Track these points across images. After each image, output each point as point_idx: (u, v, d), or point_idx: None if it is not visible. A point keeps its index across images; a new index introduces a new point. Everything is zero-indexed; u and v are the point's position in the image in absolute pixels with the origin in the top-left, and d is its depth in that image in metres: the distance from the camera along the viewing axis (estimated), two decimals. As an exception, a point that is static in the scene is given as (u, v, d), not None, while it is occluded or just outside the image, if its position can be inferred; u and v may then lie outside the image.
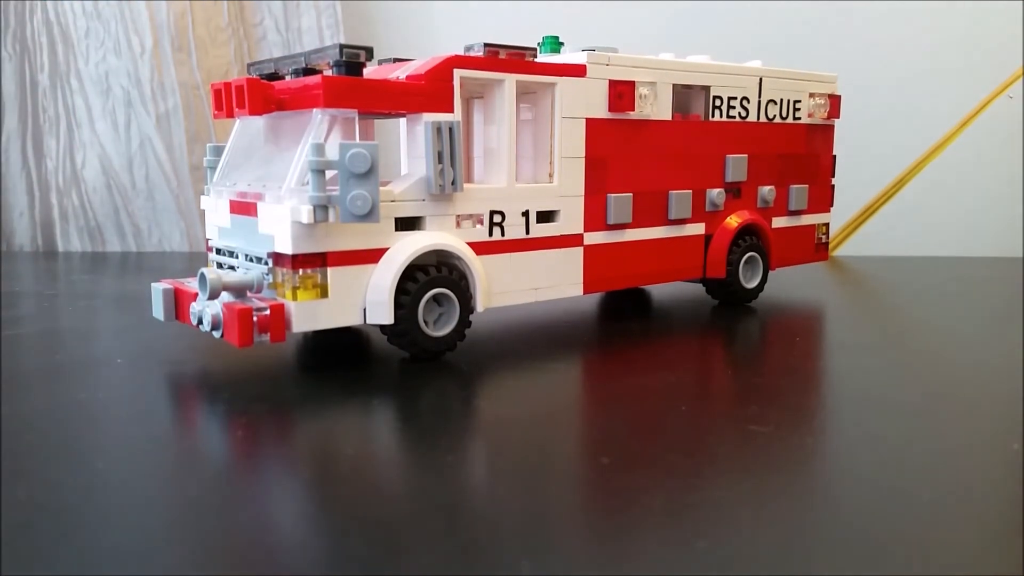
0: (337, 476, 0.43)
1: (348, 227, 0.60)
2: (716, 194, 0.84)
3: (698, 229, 0.84)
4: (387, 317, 0.61)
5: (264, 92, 0.61)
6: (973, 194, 1.44)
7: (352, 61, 0.59)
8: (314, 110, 0.60)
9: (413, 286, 0.61)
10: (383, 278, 0.61)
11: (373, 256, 0.61)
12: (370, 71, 0.68)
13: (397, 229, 0.62)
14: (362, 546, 0.35)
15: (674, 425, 0.51)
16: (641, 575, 0.33)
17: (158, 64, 1.37)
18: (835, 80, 0.95)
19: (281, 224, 0.58)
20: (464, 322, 0.65)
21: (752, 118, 0.86)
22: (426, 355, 0.64)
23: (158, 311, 0.65)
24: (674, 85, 0.79)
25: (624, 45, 0.77)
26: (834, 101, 0.94)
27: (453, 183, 0.63)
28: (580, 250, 0.74)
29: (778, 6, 1.42)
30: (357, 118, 0.65)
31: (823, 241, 0.99)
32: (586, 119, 0.73)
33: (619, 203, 0.76)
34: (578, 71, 0.72)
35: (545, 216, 0.72)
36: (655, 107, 0.77)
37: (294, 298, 0.58)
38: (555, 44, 0.76)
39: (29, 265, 1.28)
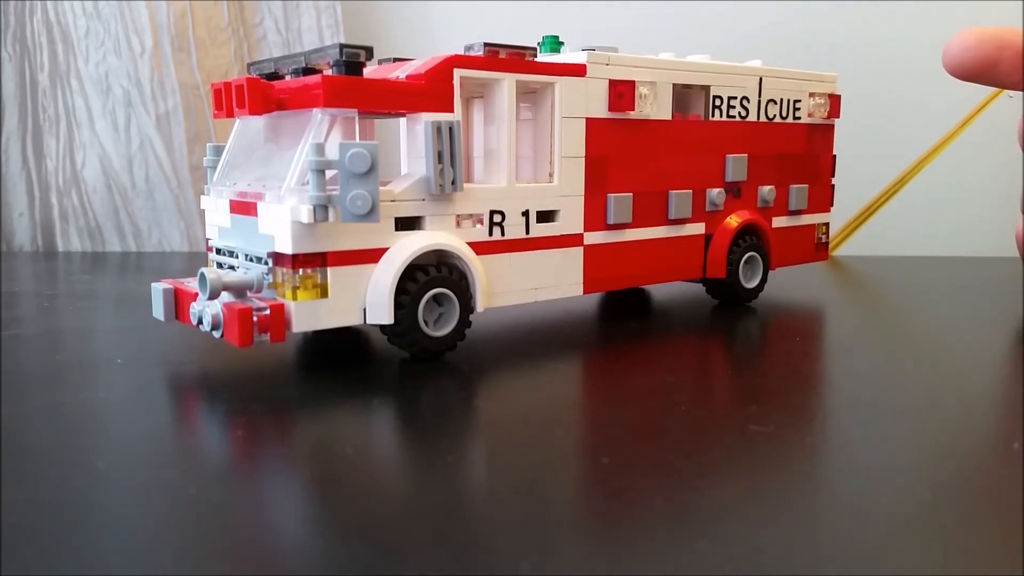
0: (337, 476, 0.43)
1: (348, 227, 0.60)
2: (716, 194, 0.84)
3: (698, 229, 0.84)
4: (387, 317, 0.61)
5: (264, 92, 0.61)
6: (973, 194, 1.44)
7: (352, 61, 0.59)
8: (314, 110, 0.60)
9: (413, 286, 0.61)
10: (383, 278, 0.61)
11: (373, 256, 0.61)
12: (370, 71, 0.68)
13: (397, 229, 0.62)
14: (362, 546, 0.35)
15: (674, 425, 0.51)
16: (641, 575, 0.33)
17: (158, 64, 1.37)
18: (835, 80, 0.95)
19: (281, 224, 0.58)
20: (464, 322, 0.65)
21: (752, 118, 0.86)
22: (426, 355, 0.64)
23: (158, 311, 0.65)
24: (674, 85, 0.79)
25: (624, 45, 0.77)
26: (834, 101, 0.94)
27: (453, 183, 0.63)
28: (580, 250, 0.74)
29: (778, 6, 1.42)
30: (357, 118, 0.65)
31: (823, 241, 0.99)
32: (586, 119, 0.73)
33: (619, 203, 0.76)
34: (578, 71, 0.72)
35: (545, 216, 0.72)
36: (655, 107, 0.77)
37: (294, 298, 0.58)
38: (555, 44, 0.76)
39: (29, 265, 1.28)
